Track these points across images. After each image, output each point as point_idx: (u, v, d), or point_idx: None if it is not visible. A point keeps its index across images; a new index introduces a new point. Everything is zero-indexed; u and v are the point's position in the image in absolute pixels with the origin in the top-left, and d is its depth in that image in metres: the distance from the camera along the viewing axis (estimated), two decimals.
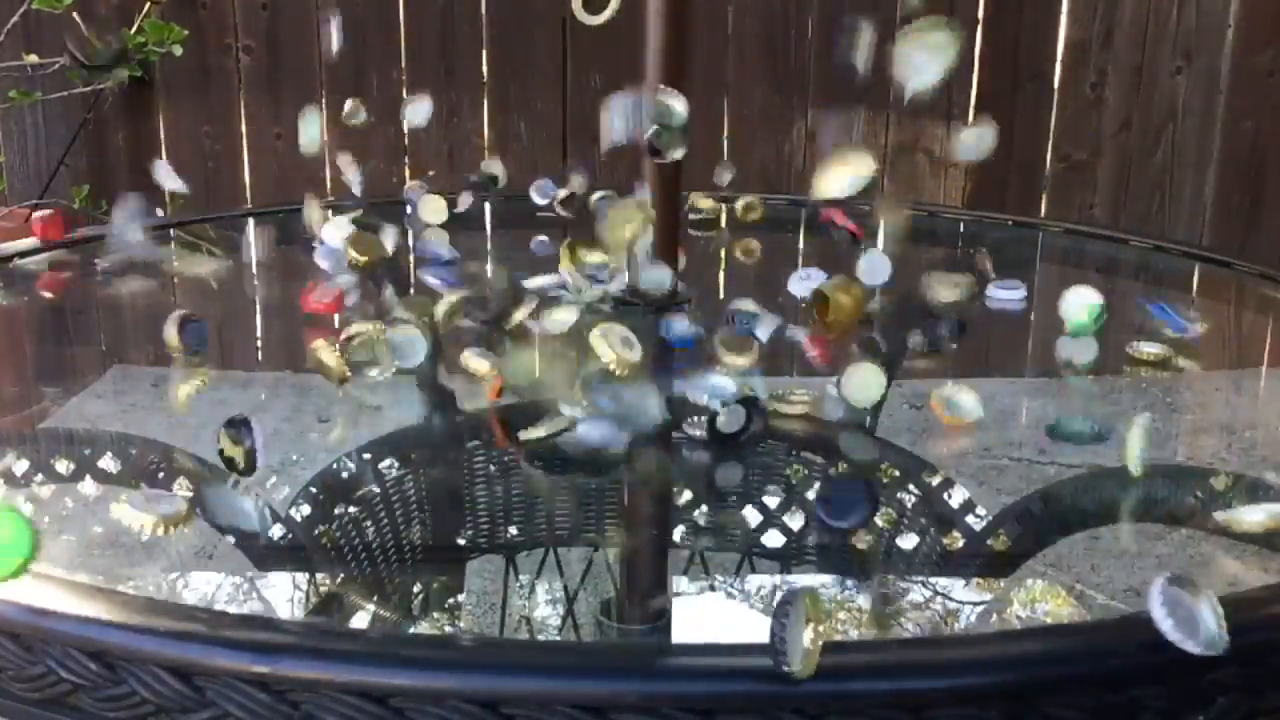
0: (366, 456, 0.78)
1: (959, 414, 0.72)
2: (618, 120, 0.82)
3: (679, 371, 0.78)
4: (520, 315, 0.88)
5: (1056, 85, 2.37)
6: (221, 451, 0.60)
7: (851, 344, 0.90)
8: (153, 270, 1.18)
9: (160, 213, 1.71)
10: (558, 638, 0.56)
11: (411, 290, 1.10)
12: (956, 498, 0.69)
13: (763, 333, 0.89)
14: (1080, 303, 0.91)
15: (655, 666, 0.49)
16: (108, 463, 0.72)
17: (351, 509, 0.70)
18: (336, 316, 0.94)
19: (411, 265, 1.16)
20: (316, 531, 0.65)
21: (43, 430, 0.81)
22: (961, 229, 1.44)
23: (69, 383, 0.91)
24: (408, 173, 2.49)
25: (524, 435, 0.71)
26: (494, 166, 1.36)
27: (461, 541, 0.68)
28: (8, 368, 1.01)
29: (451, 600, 0.62)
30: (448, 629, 0.57)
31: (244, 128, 2.50)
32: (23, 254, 1.24)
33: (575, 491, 0.76)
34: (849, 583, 0.61)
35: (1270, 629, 0.54)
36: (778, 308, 0.94)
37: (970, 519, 0.67)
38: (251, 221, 1.46)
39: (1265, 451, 0.83)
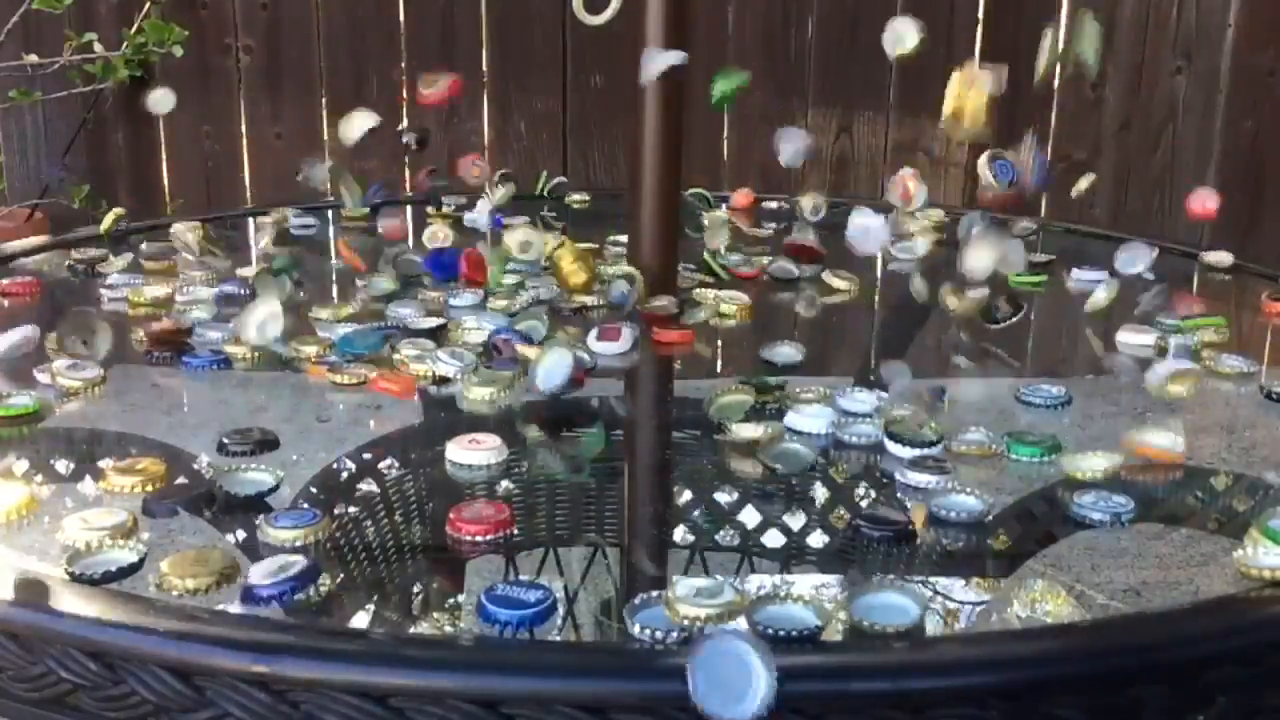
0: (367, 456, 0.78)
1: None
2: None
3: None
4: None
5: (1056, 85, 2.37)
6: None
7: None
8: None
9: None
10: (558, 638, 0.56)
11: None
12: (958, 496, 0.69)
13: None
14: None
15: (655, 666, 0.49)
16: (108, 463, 0.72)
17: (351, 509, 0.70)
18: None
19: None
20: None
21: (42, 430, 0.81)
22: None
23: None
24: (407, 174, 2.49)
25: None
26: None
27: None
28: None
29: (451, 600, 0.62)
30: (448, 629, 0.57)
31: (244, 128, 2.50)
32: (23, 253, 1.24)
33: (576, 489, 0.76)
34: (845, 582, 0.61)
35: (1270, 629, 0.54)
36: None
37: (970, 519, 0.67)
38: (252, 221, 1.46)
39: (1265, 451, 0.83)
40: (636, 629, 0.53)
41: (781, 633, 0.52)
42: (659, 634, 0.53)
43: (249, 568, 0.59)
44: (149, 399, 0.89)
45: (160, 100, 1.23)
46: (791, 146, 1.00)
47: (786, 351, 0.97)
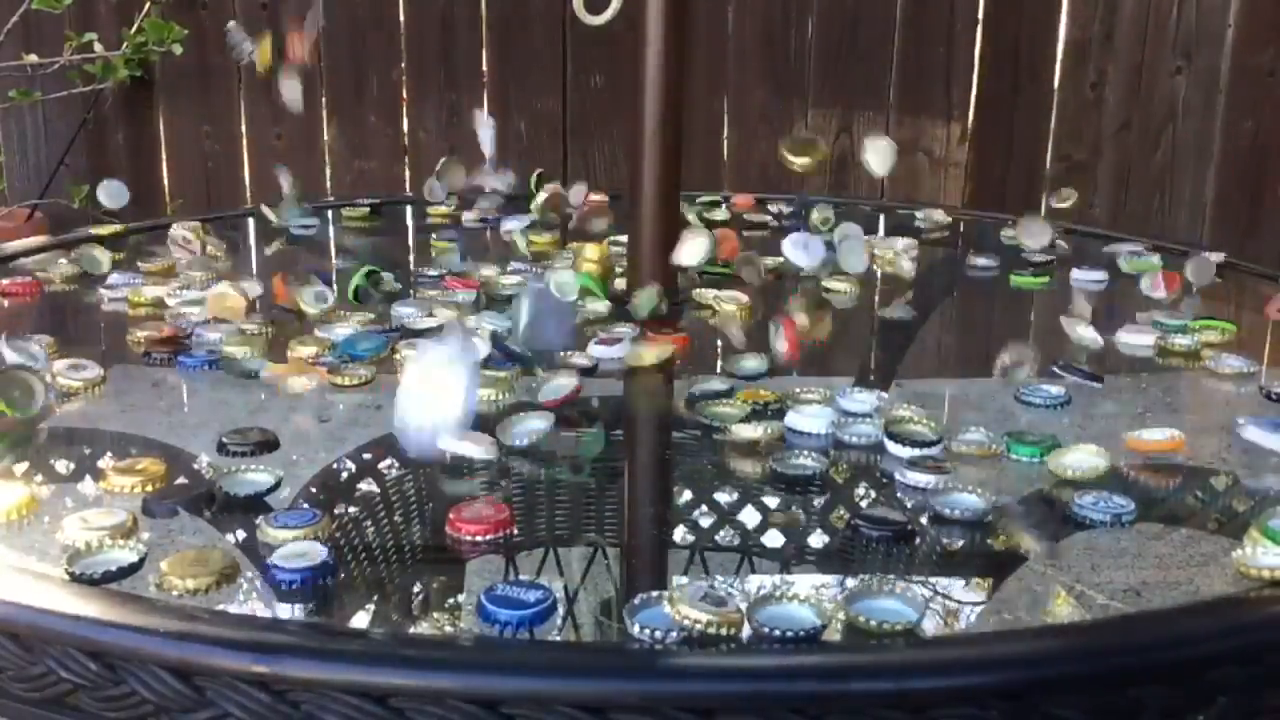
0: (367, 456, 0.78)
1: None
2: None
3: None
4: None
5: (1056, 85, 2.37)
6: None
7: None
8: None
9: None
10: (558, 638, 0.56)
11: None
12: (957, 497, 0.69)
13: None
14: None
15: (655, 666, 0.49)
16: (108, 463, 0.72)
17: (351, 509, 0.70)
18: None
19: None
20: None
21: (42, 430, 0.81)
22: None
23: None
24: (408, 173, 2.49)
25: None
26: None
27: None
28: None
29: (451, 600, 0.62)
30: (448, 629, 0.57)
31: (244, 128, 2.50)
32: (23, 254, 1.24)
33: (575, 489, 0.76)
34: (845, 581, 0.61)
35: (1270, 629, 0.54)
36: None
37: (973, 516, 0.67)
38: (251, 221, 1.46)
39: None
40: (636, 629, 0.53)
41: (783, 632, 0.52)
42: (659, 634, 0.53)
43: (274, 550, 0.60)
44: (149, 399, 0.89)
45: (113, 192, 1.28)
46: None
47: (751, 365, 0.93)
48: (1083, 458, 0.74)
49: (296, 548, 0.60)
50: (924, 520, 0.68)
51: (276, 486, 0.69)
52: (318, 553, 0.59)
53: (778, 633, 0.52)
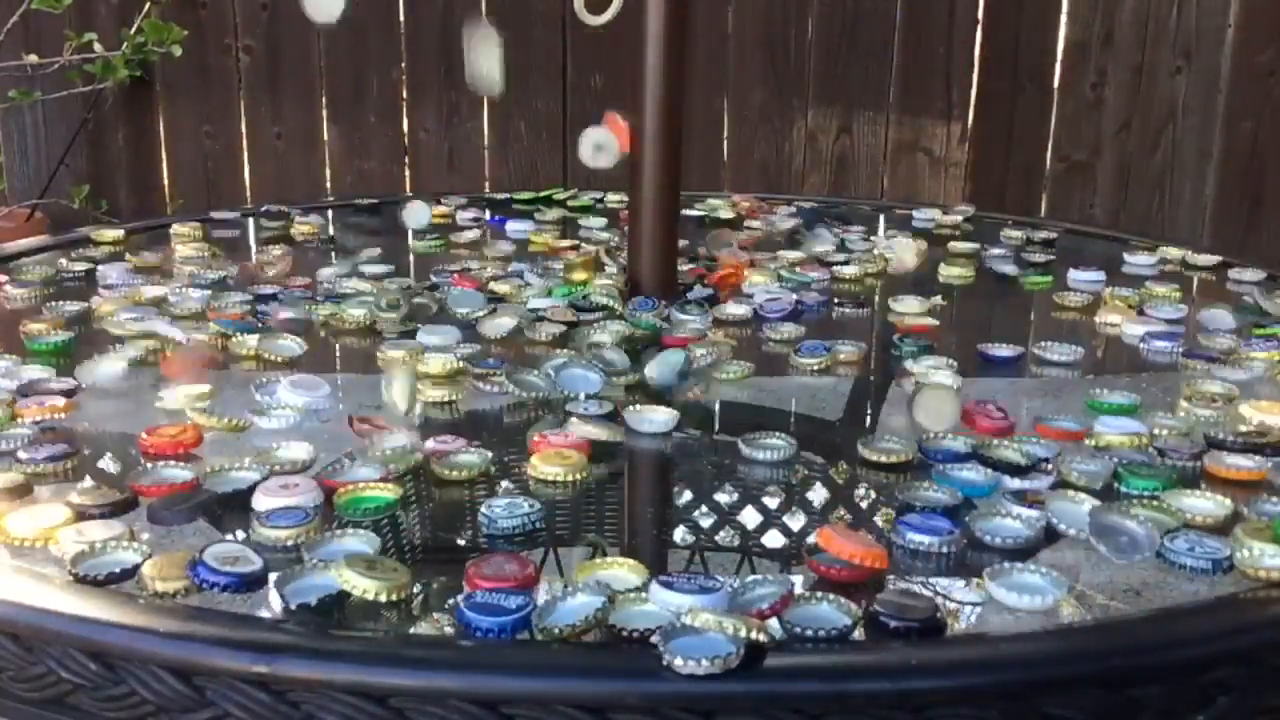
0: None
1: None
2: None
3: None
4: None
5: (1056, 85, 2.37)
6: None
7: None
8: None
9: None
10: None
11: None
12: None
13: None
14: None
15: (655, 666, 0.49)
16: (108, 462, 0.72)
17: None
18: None
19: None
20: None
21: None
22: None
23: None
24: (408, 172, 2.49)
25: None
26: None
27: (463, 542, 0.68)
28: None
29: (451, 600, 0.62)
30: (448, 629, 0.57)
31: (244, 128, 2.50)
32: (23, 254, 1.24)
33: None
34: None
35: (1270, 629, 0.54)
36: None
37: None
38: (252, 221, 1.46)
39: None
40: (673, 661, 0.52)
41: (814, 632, 0.52)
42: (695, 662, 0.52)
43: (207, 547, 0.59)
44: (147, 397, 0.89)
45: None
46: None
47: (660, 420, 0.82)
48: (1201, 503, 0.68)
49: (234, 550, 0.59)
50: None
51: (264, 480, 0.69)
52: (250, 563, 0.58)
53: (809, 633, 0.52)
